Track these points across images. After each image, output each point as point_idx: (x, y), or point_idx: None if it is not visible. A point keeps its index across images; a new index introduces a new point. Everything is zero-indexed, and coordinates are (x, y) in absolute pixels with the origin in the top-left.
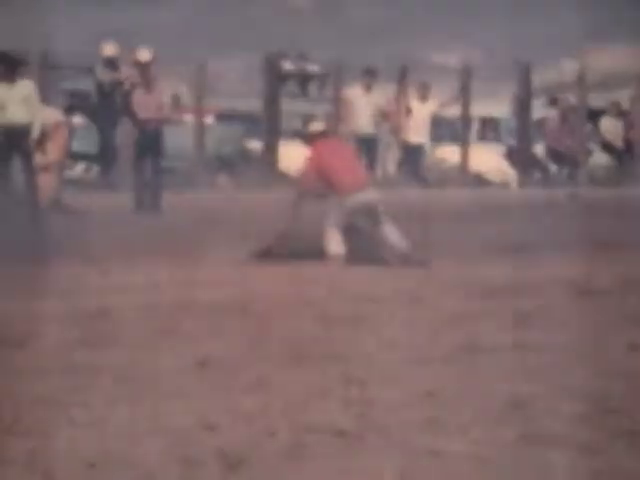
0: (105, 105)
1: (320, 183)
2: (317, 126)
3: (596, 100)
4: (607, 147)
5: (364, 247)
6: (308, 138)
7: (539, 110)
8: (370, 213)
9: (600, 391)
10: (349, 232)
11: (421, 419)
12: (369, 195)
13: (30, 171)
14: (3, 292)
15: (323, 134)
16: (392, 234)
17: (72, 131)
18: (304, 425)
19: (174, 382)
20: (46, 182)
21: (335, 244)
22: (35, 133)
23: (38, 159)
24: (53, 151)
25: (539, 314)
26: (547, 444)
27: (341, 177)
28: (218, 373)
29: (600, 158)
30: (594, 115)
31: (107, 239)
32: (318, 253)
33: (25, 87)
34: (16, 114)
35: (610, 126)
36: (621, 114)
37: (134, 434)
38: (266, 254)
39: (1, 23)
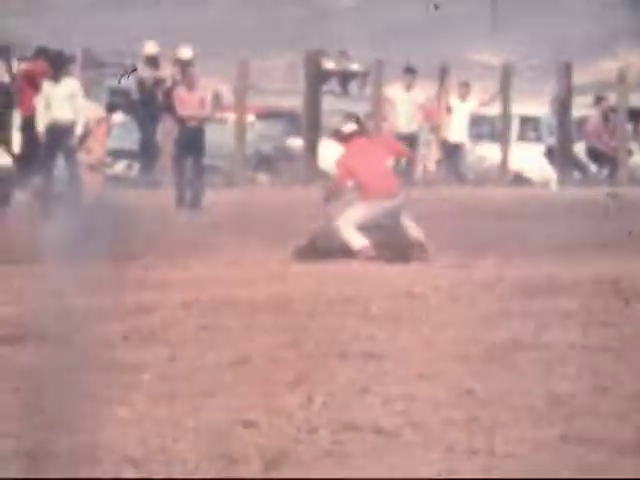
0: (146, 103)
1: (351, 182)
2: (350, 127)
3: (637, 100)
4: None
5: (389, 244)
6: (341, 138)
7: (579, 109)
8: (393, 215)
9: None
10: (374, 230)
11: (461, 417)
12: (395, 202)
13: (74, 168)
14: (44, 287)
15: (357, 133)
16: (410, 228)
17: (110, 127)
18: (344, 422)
19: (215, 379)
20: (92, 180)
21: (356, 238)
22: (79, 131)
23: (84, 158)
24: (97, 149)
25: (579, 313)
26: (587, 444)
27: (370, 183)
28: (258, 370)
29: None
30: (635, 115)
31: (149, 236)
32: (350, 250)
33: (70, 85)
34: (61, 112)
35: None
36: None
37: (175, 430)
38: (304, 252)
39: (44, 22)
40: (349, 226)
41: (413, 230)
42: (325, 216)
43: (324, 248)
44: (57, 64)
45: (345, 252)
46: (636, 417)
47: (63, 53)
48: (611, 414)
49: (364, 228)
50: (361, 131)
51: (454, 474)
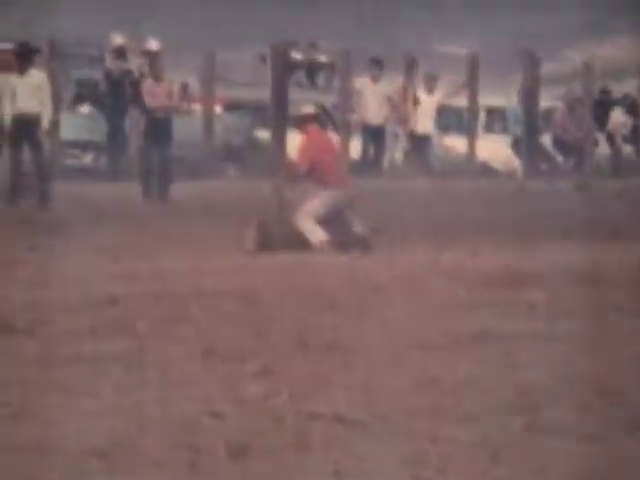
0: (114, 94)
1: (311, 174)
2: (308, 109)
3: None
4: (612, 138)
5: (341, 235)
6: (299, 121)
7: (546, 100)
8: (343, 207)
9: (604, 380)
10: (329, 222)
11: (425, 406)
12: (347, 193)
13: (40, 160)
14: (12, 279)
15: (314, 118)
16: (355, 222)
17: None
18: (309, 413)
19: (181, 370)
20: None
21: (315, 232)
22: (45, 123)
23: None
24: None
25: (544, 303)
26: (552, 433)
27: (330, 171)
28: (224, 361)
29: (606, 149)
30: (602, 106)
31: (116, 228)
32: (305, 243)
33: (36, 77)
34: (27, 104)
35: (620, 117)
36: (631, 106)
37: (142, 422)
38: (260, 244)
39: (10, 12)
40: (309, 218)
41: (357, 224)
42: (280, 203)
43: (276, 238)
44: (23, 56)
45: (300, 243)
46: (600, 407)
47: (28, 44)
48: (576, 404)
49: (322, 220)
50: (318, 117)
51: (418, 463)
